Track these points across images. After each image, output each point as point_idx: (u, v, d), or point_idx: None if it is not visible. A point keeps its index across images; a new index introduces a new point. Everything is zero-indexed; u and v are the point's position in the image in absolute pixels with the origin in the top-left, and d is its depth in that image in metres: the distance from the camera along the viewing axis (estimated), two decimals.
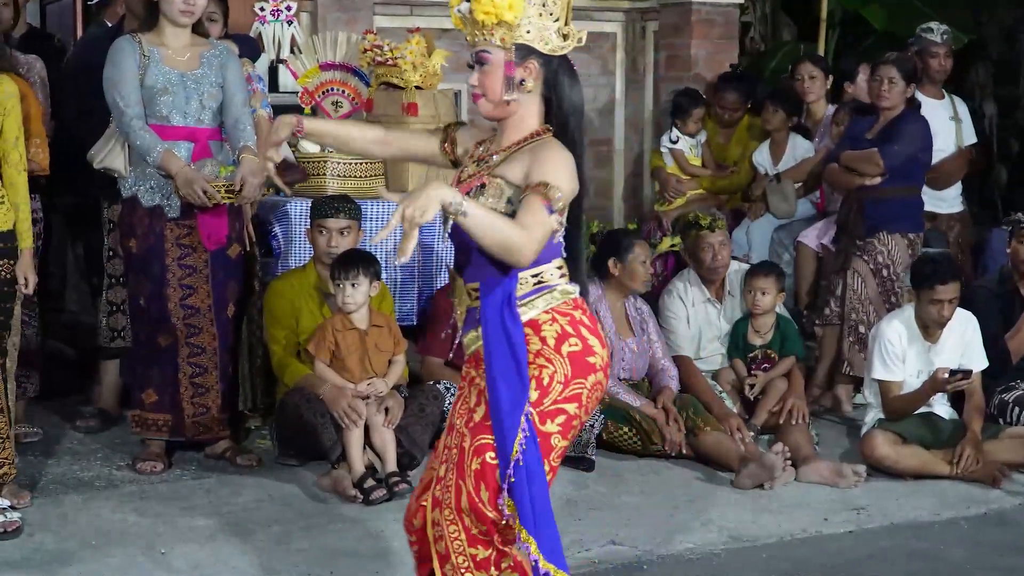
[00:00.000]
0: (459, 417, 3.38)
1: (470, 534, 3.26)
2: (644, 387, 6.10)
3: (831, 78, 7.50)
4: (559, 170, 3.20)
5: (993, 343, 5.97)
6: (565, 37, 3.32)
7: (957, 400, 5.88)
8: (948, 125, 7.29)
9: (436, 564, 3.33)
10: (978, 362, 5.89)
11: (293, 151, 6.24)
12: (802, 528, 5.06)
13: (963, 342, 5.88)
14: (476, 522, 3.25)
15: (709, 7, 8.03)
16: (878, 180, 6.64)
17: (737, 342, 6.31)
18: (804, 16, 9.49)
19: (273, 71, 6.94)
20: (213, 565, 4.52)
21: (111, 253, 5.87)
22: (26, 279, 4.90)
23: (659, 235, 7.32)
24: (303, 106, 6.45)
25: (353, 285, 5.39)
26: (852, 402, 6.68)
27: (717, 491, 5.46)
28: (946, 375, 5.60)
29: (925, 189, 6.89)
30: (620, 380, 5.98)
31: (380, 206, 6.12)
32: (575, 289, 3.34)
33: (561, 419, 3.25)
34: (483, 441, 3.25)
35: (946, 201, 7.33)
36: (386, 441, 5.37)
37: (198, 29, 5.38)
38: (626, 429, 5.81)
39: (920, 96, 6.92)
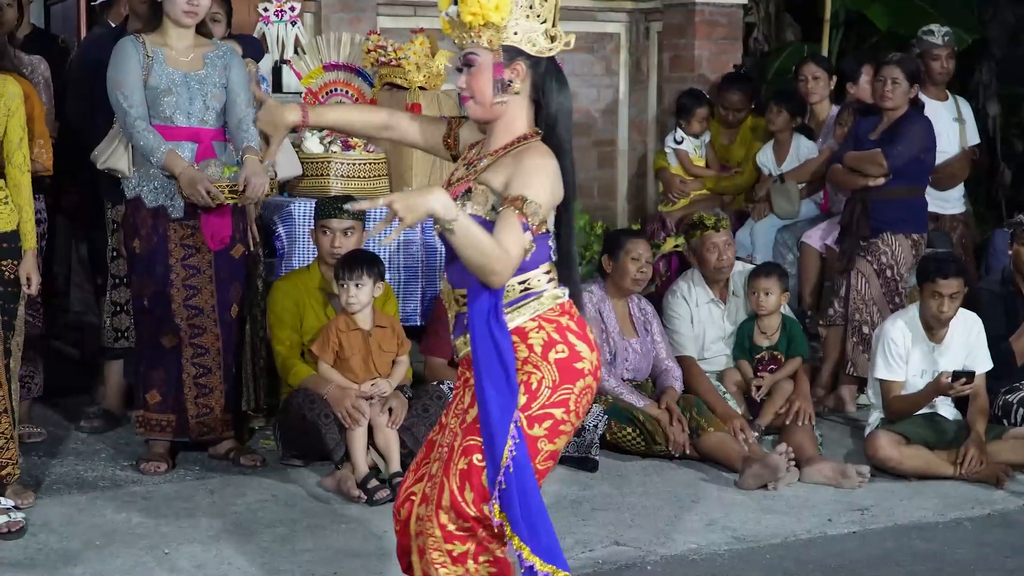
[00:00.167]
0: (454, 417, 3.39)
1: (446, 531, 3.26)
2: (648, 387, 6.10)
3: (835, 79, 7.50)
4: (539, 181, 3.17)
5: (996, 345, 5.96)
6: (553, 39, 3.31)
7: (961, 401, 5.87)
8: (951, 126, 7.29)
9: (415, 556, 3.35)
10: (982, 364, 5.89)
11: (296, 150, 6.24)
12: (806, 529, 5.06)
13: (968, 343, 5.88)
14: (456, 519, 3.25)
15: (713, 8, 8.02)
16: (882, 181, 6.64)
17: (743, 343, 6.31)
18: (808, 17, 9.48)
19: (277, 72, 6.94)
20: (217, 565, 4.53)
21: (115, 253, 5.87)
22: (29, 279, 4.91)
23: (663, 235, 7.33)
24: None
25: (357, 286, 5.39)
26: (856, 403, 6.69)
27: (721, 492, 5.46)
28: (948, 379, 5.60)
29: (929, 190, 6.89)
30: (624, 380, 5.99)
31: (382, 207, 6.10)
32: (563, 293, 3.33)
33: (548, 423, 3.26)
34: (472, 442, 3.26)
35: (949, 202, 7.33)
36: (390, 441, 5.37)
37: (202, 30, 5.38)
38: (630, 430, 5.81)
39: (923, 97, 6.92)
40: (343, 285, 5.41)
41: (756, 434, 5.93)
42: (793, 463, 5.54)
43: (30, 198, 4.92)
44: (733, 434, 5.81)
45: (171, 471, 5.48)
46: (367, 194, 6.12)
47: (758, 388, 6.19)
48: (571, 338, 3.28)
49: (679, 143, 7.62)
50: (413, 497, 3.42)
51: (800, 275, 7.13)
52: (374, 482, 5.19)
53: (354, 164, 6.21)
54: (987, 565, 4.76)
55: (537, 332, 3.26)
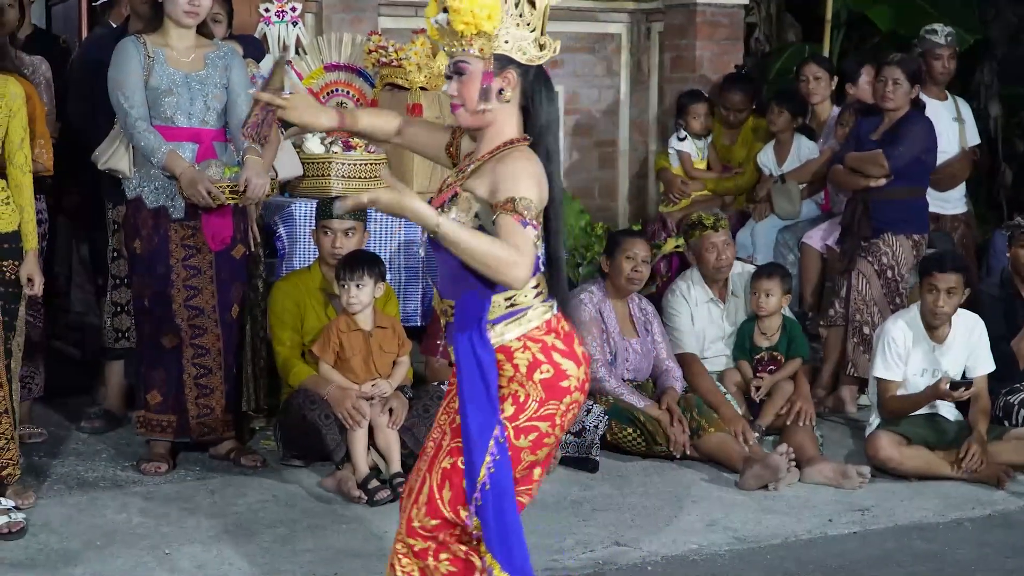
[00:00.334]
0: (444, 414, 3.42)
1: (411, 525, 3.31)
2: (648, 388, 6.10)
3: (836, 79, 7.50)
4: (522, 180, 3.18)
5: (997, 346, 5.96)
6: (541, 47, 3.32)
7: (962, 402, 5.86)
8: (951, 126, 7.29)
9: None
10: (984, 365, 5.89)
11: (297, 151, 6.24)
12: (807, 529, 5.06)
13: (969, 344, 5.87)
14: (424, 516, 3.29)
15: (714, 8, 8.02)
16: (883, 182, 6.64)
17: (743, 344, 6.31)
18: (809, 17, 9.47)
19: None
20: (218, 566, 4.53)
21: (115, 254, 5.87)
22: (32, 280, 4.91)
23: (664, 236, 7.33)
24: None
25: (358, 286, 5.39)
26: (856, 403, 6.69)
27: (722, 492, 5.46)
28: (947, 386, 5.60)
29: (929, 190, 6.88)
30: (624, 381, 5.98)
31: None
32: (550, 307, 3.34)
33: (533, 436, 3.29)
34: (458, 444, 3.28)
35: (950, 202, 7.33)
36: (390, 442, 5.38)
37: (203, 30, 5.39)
38: (630, 430, 5.81)
39: (923, 97, 6.92)
40: (344, 286, 5.41)
41: (757, 435, 5.93)
42: (794, 463, 5.54)
43: (31, 199, 4.92)
44: (734, 436, 5.81)
45: (172, 471, 5.48)
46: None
47: (757, 389, 6.19)
48: (556, 357, 3.30)
49: (681, 140, 7.62)
50: None
51: (801, 276, 7.13)
52: (375, 483, 5.19)
53: (355, 164, 6.21)
54: (988, 566, 4.76)
55: (523, 352, 3.28)
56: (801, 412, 5.96)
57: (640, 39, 8.29)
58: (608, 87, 8.25)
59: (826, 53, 8.13)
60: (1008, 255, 6.28)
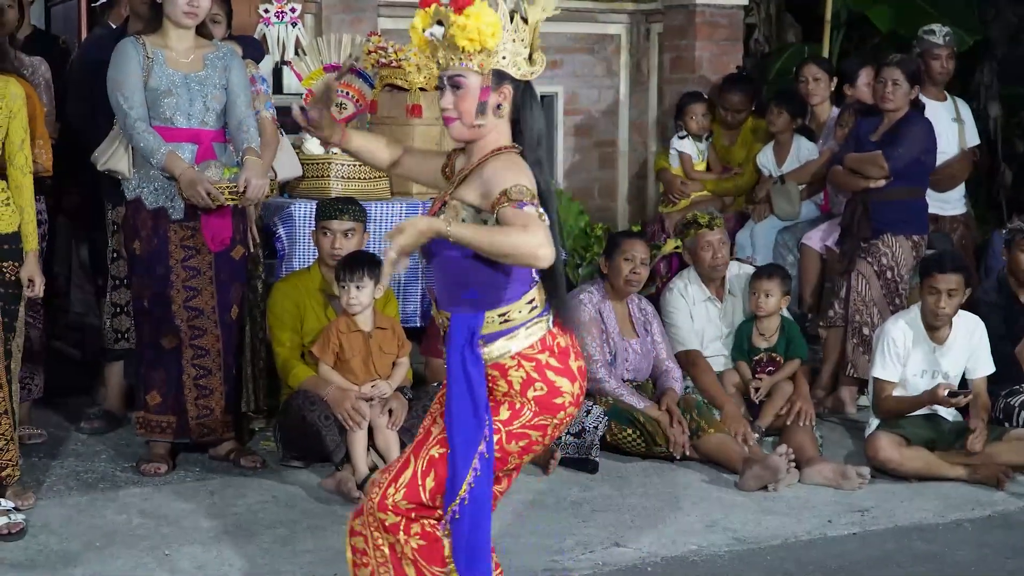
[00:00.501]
0: (439, 403, 3.46)
1: (384, 501, 3.34)
2: (648, 388, 6.10)
3: (835, 80, 7.50)
4: (509, 173, 3.23)
5: (996, 350, 5.95)
6: (532, 62, 3.36)
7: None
8: (950, 127, 7.28)
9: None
10: (984, 367, 5.89)
11: (297, 152, 6.24)
12: (806, 530, 5.06)
13: (970, 345, 5.87)
14: (403, 499, 3.33)
15: (714, 9, 8.03)
16: (882, 183, 6.63)
17: (741, 345, 6.31)
18: (809, 17, 9.48)
19: (277, 73, 6.95)
20: (217, 567, 4.53)
21: (115, 255, 5.87)
22: (32, 281, 4.91)
23: (663, 237, 7.33)
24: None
25: (358, 287, 5.39)
26: (856, 404, 6.68)
27: (721, 493, 5.46)
28: (945, 392, 5.60)
29: (928, 191, 6.88)
30: (624, 382, 5.98)
31: (384, 208, 6.12)
32: (546, 322, 3.36)
33: (524, 442, 3.37)
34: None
35: (949, 203, 7.32)
36: (390, 443, 5.38)
37: (202, 31, 5.38)
38: (630, 431, 5.81)
39: (922, 98, 6.92)
40: (344, 287, 5.41)
41: (756, 435, 5.93)
42: (793, 464, 5.53)
43: (32, 200, 4.92)
44: (734, 436, 5.81)
45: (171, 472, 5.48)
46: (367, 195, 6.13)
47: (757, 390, 6.19)
48: (550, 375, 3.34)
49: (682, 139, 7.62)
50: None
51: (800, 276, 7.13)
52: None
53: (354, 165, 6.20)
54: (987, 566, 4.76)
55: (516, 370, 3.32)
56: (801, 412, 5.97)
57: (640, 40, 8.29)
58: (608, 88, 8.26)
59: (826, 54, 8.13)
60: (1005, 259, 6.27)
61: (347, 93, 6.58)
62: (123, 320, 5.90)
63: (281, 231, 6.09)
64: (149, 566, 4.52)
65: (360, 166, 6.20)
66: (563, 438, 5.62)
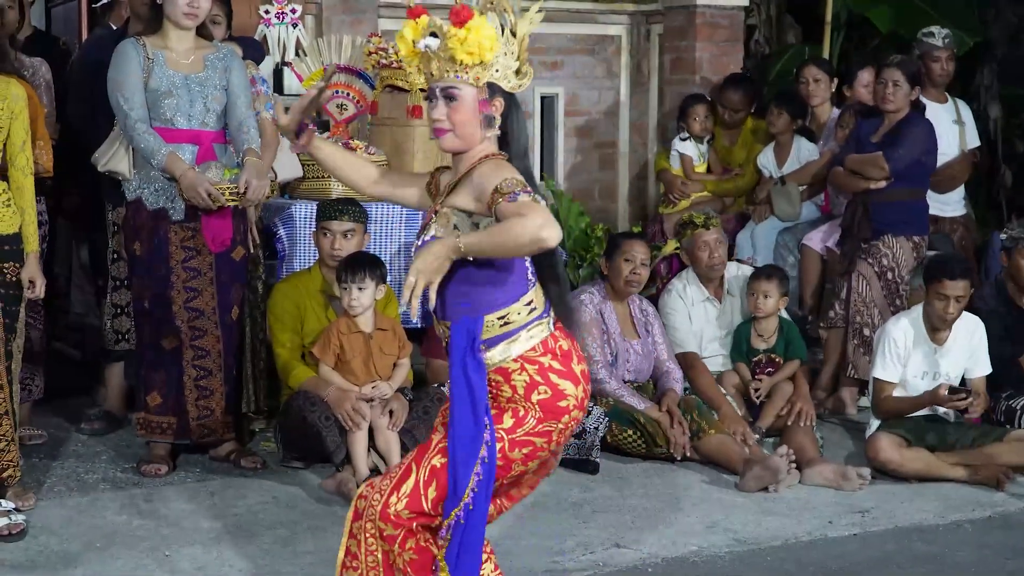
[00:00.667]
0: (442, 416, 3.48)
1: (386, 511, 3.34)
2: (649, 389, 6.10)
3: (836, 81, 7.50)
4: (497, 172, 3.25)
5: (996, 354, 5.95)
6: (520, 75, 3.38)
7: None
8: (951, 128, 7.28)
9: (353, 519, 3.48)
10: (982, 367, 5.89)
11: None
12: (807, 531, 5.06)
13: (970, 346, 5.87)
14: (405, 508, 3.33)
15: (714, 10, 8.03)
16: (883, 184, 6.63)
17: (740, 346, 6.31)
18: (809, 18, 9.47)
19: (278, 74, 6.94)
20: (218, 567, 4.53)
21: (115, 256, 5.87)
22: (33, 282, 4.91)
23: (663, 238, 7.33)
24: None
25: (359, 288, 5.39)
26: (857, 405, 6.68)
27: (722, 494, 5.46)
28: (946, 392, 5.60)
29: (928, 192, 6.88)
30: (625, 382, 5.99)
31: (384, 208, 6.12)
32: (547, 324, 3.37)
33: (527, 449, 3.36)
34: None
35: (949, 204, 7.32)
36: (390, 444, 5.38)
37: (202, 32, 5.39)
38: (631, 432, 5.81)
39: (923, 100, 6.91)
40: (345, 287, 5.41)
41: (757, 436, 5.93)
42: (794, 465, 5.54)
43: (33, 201, 4.92)
44: (733, 435, 5.81)
45: (172, 473, 5.48)
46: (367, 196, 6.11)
47: (757, 391, 6.19)
48: (553, 378, 3.34)
49: (684, 140, 7.63)
50: None
51: (801, 277, 7.13)
52: None
53: None
54: (988, 567, 4.76)
55: (519, 374, 3.33)
56: (801, 413, 5.97)
57: (640, 41, 8.29)
58: (608, 89, 8.26)
59: (826, 55, 8.13)
60: (1003, 264, 6.26)
61: (348, 94, 6.58)
62: (123, 321, 5.90)
63: (281, 232, 6.09)
64: (149, 567, 4.52)
65: None
66: None
